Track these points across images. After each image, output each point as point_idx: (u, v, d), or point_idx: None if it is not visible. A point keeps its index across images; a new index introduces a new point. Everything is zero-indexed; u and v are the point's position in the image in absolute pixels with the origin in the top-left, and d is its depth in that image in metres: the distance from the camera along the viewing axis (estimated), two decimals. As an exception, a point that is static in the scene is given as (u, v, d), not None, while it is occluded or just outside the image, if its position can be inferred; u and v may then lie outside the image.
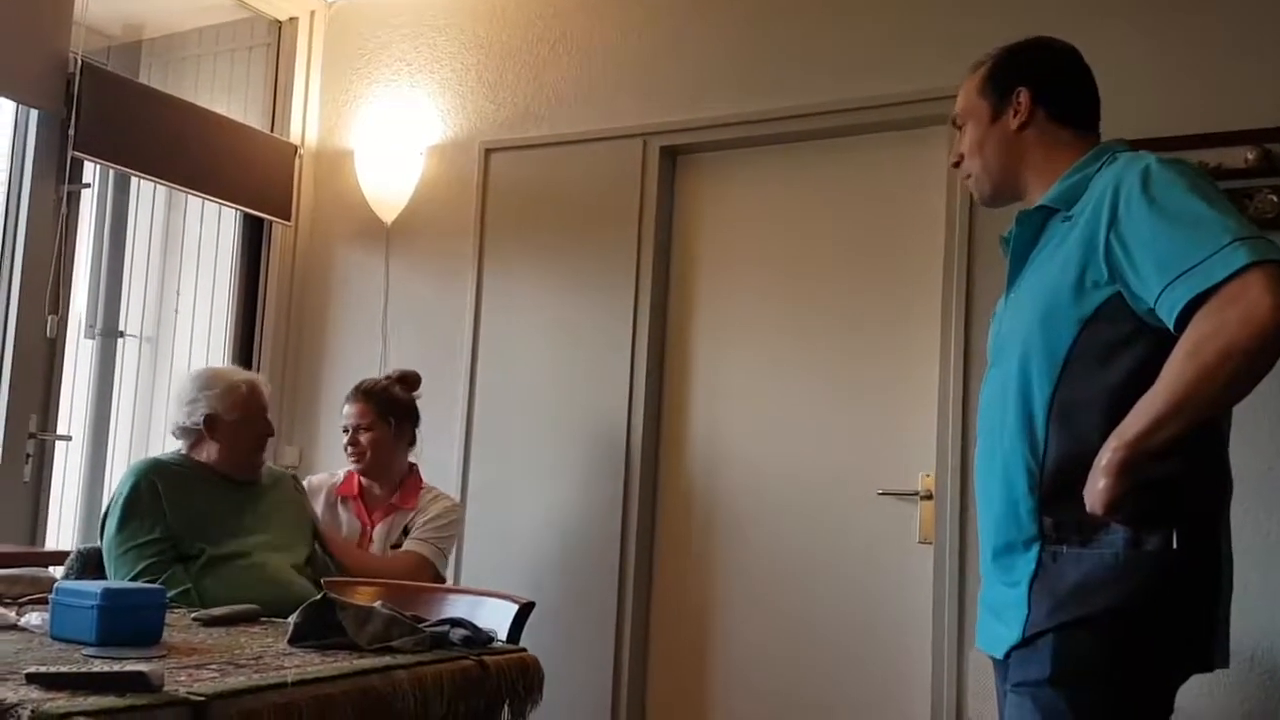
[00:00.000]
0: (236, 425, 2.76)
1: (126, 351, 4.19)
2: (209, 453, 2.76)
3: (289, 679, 1.57)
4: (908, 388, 3.25)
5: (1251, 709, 2.60)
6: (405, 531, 3.12)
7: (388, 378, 3.26)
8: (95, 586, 1.81)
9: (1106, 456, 1.48)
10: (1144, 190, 1.55)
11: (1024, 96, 1.79)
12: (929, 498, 3.17)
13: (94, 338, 4.15)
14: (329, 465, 3.85)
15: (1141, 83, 2.84)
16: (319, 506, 3.12)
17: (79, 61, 3.51)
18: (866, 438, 3.30)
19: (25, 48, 3.41)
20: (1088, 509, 1.50)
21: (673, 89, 3.60)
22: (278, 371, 4.04)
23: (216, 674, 1.58)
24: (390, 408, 3.17)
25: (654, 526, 3.58)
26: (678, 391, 3.62)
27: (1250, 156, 2.77)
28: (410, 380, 3.25)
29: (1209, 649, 1.56)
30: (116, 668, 1.46)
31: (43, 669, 1.46)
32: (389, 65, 4.15)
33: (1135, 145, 1.78)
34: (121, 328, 4.19)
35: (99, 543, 2.73)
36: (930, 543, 3.14)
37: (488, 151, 3.89)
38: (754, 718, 3.36)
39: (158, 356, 4.24)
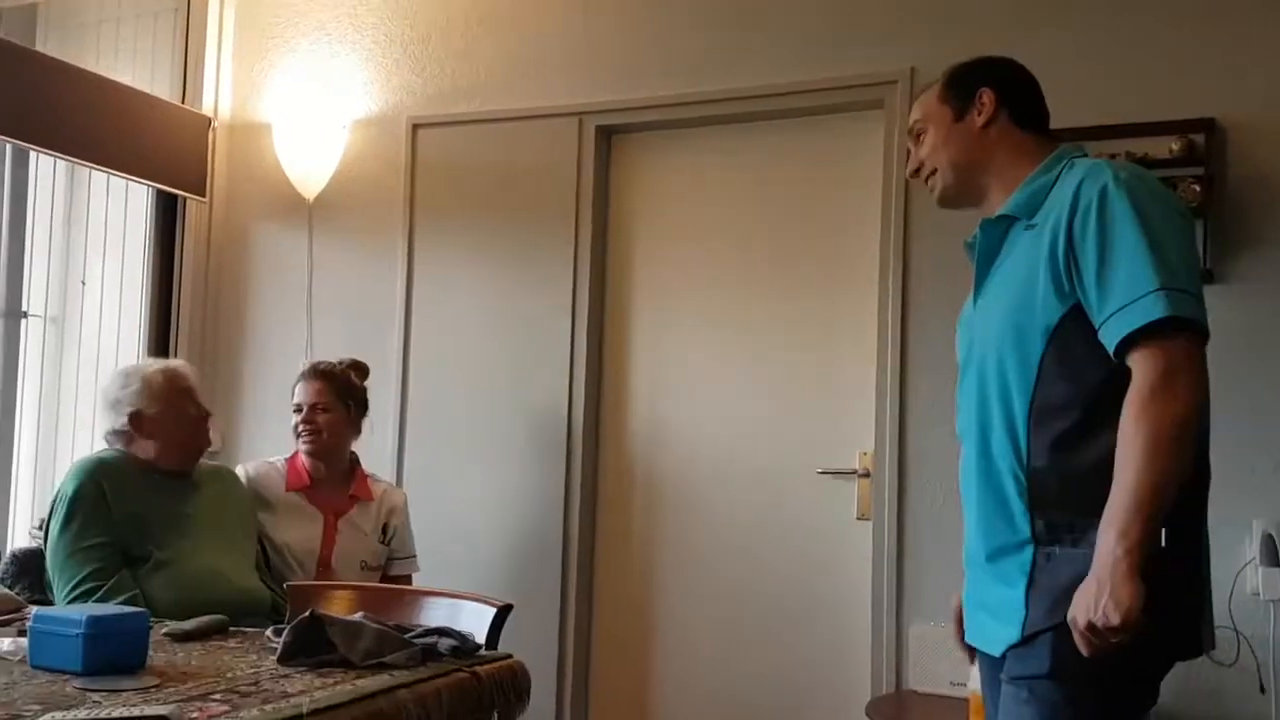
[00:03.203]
0: (162, 416, 2.71)
1: (30, 332, 4.00)
2: (146, 449, 2.70)
3: (304, 709, 1.55)
4: (846, 366, 3.32)
5: (1195, 687, 2.76)
6: (384, 530, 3.16)
7: (342, 363, 3.20)
8: (77, 614, 1.75)
9: (1111, 562, 1.50)
10: (1099, 215, 1.61)
11: (988, 96, 1.84)
12: (866, 475, 3.26)
13: (-5, 318, 3.95)
14: (252, 451, 3.75)
15: (1069, 75, 2.91)
16: (272, 504, 3.05)
17: (-30, 29, 3.31)
18: (806, 416, 3.37)
19: (-83, 15, 3.21)
20: (1105, 625, 1.50)
21: (608, 68, 3.56)
22: (195, 354, 3.89)
23: (228, 707, 1.55)
24: (349, 393, 3.16)
25: (595, 507, 3.59)
26: (618, 372, 3.62)
27: (1175, 147, 2.89)
28: (363, 370, 3.23)
29: (1197, 636, 1.65)
30: (135, 711, 1.42)
31: (65, 715, 1.41)
32: (307, 34, 3.99)
33: (1064, 137, 1.87)
34: (25, 308, 3.99)
35: (10, 538, 2.63)
36: (868, 519, 3.23)
37: (415, 127, 3.80)
38: (697, 692, 3.43)
39: (64, 337, 4.06)
